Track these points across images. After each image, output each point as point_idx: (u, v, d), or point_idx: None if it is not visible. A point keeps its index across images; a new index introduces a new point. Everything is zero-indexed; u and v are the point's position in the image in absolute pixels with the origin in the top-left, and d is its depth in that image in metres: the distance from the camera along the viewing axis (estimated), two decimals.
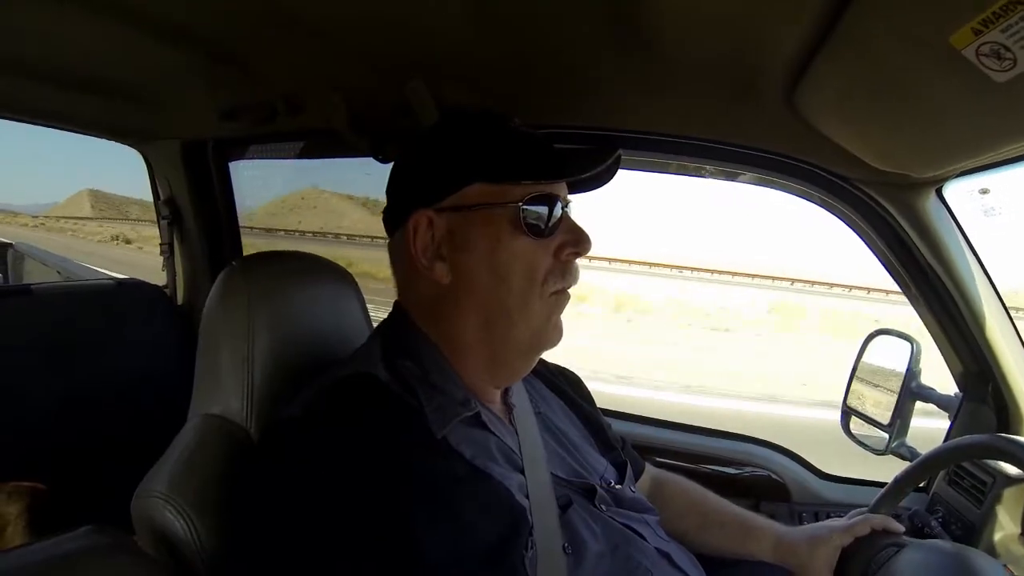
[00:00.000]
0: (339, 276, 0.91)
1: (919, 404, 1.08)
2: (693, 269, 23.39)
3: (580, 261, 0.73)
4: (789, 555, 0.85)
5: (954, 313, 1.05)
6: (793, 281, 22.17)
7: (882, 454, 1.09)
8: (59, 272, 4.05)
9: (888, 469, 0.94)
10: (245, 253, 1.60)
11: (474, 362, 0.71)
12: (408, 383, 0.67)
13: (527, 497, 0.66)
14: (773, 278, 22.46)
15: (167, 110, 1.28)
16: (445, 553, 0.57)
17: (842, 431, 1.17)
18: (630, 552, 0.70)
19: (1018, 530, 1.00)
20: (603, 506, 0.74)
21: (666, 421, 1.44)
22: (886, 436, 1.08)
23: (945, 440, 1.05)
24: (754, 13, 0.66)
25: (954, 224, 0.99)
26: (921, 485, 1.17)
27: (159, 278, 1.68)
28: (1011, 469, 0.99)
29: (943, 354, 1.14)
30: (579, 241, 0.71)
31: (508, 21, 0.77)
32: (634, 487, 0.84)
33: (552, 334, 0.72)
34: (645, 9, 0.68)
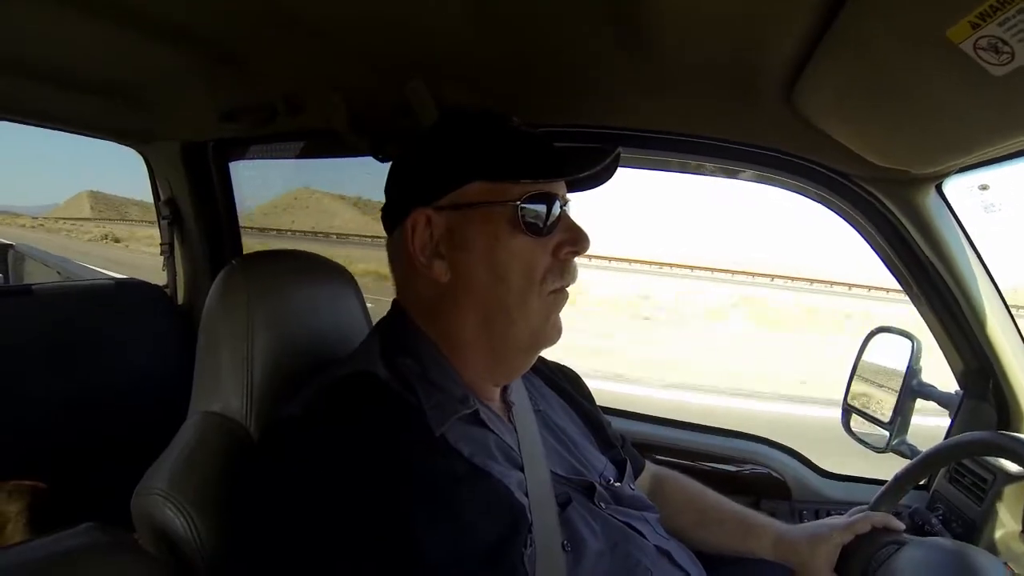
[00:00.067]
0: (338, 275, 0.92)
1: (920, 402, 1.08)
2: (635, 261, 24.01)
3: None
4: (789, 553, 0.85)
5: (954, 310, 1.05)
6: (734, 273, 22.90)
7: (883, 452, 1.09)
8: (59, 272, 4.06)
9: (888, 467, 0.94)
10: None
11: (473, 360, 0.71)
12: (407, 381, 0.68)
13: (526, 495, 0.66)
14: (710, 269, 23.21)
15: (167, 111, 1.28)
16: (445, 552, 0.57)
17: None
18: (629, 550, 0.70)
19: (1019, 528, 1.00)
20: (602, 504, 0.74)
21: (666, 419, 1.44)
22: (887, 434, 1.08)
23: (946, 438, 1.05)
24: (753, 12, 0.66)
25: (954, 220, 0.99)
26: (922, 483, 1.17)
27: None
28: (1012, 466, 0.99)
29: (943, 351, 1.13)
30: (577, 240, 0.71)
31: (508, 21, 0.77)
32: (633, 485, 0.84)
33: (551, 332, 0.72)
34: (645, 9, 0.68)
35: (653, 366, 8.06)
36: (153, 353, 1.52)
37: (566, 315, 0.75)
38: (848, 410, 1.17)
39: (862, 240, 1.12)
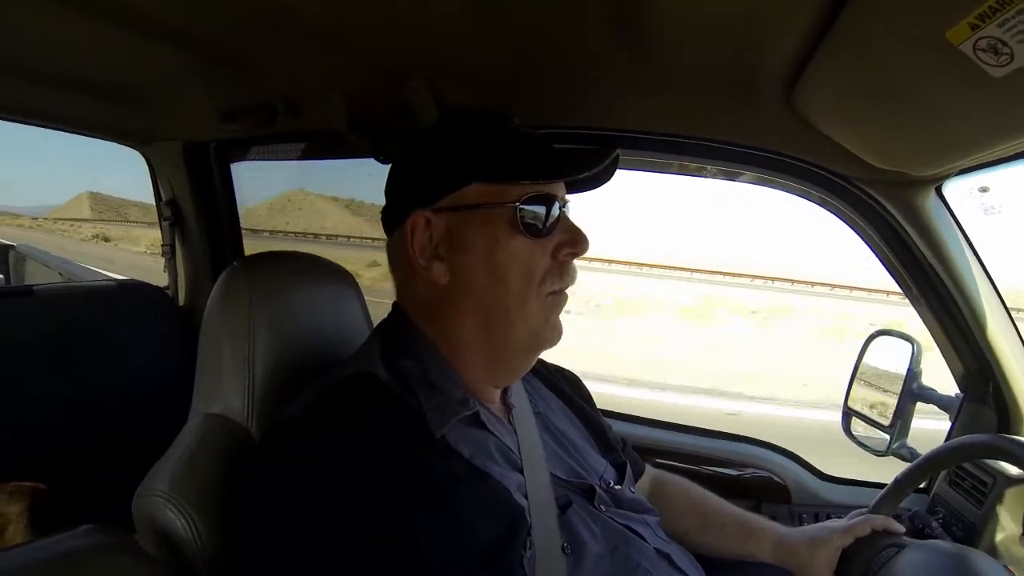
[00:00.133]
0: (340, 276, 0.92)
1: (920, 405, 1.08)
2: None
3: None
4: (789, 556, 0.85)
5: (954, 313, 1.05)
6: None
7: (883, 455, 1.09)
8: (61, 273, 4.06)
9: (888, 470, 0.94)
10: None
11: (473, 362, 0.71)
12: (408, 382, 0.68)
13: (526, 497, 0.66)
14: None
15: (168, 112, 1.28)
16: (445, 553, 0.57)
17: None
18: (629, 553, 0.70)
19: (1019, 531, 1.00)
20: (602, 506, 0.73)
21: (667, 422, 1.44)
22: (887, 437, 1.08)
23: (946, 441, 1.05)
24: (753, 13, 0.66)
25: (954, 222, 0.99)
26: (922, 486, 1.17)
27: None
28: (1012, 469, 0.99)
29: (943, 354, 1.13)
30: (577, 241, 0.71)
31: (508, 21, 0.77)
32: (634, 488, 0.84)
33: (550, 334, 0.72)
34: (645, 9, 0.68)
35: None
36: (154, 354, 1.52)
37: None
38: (848, 413, 1.17)
39: (863, 243, 1.12)
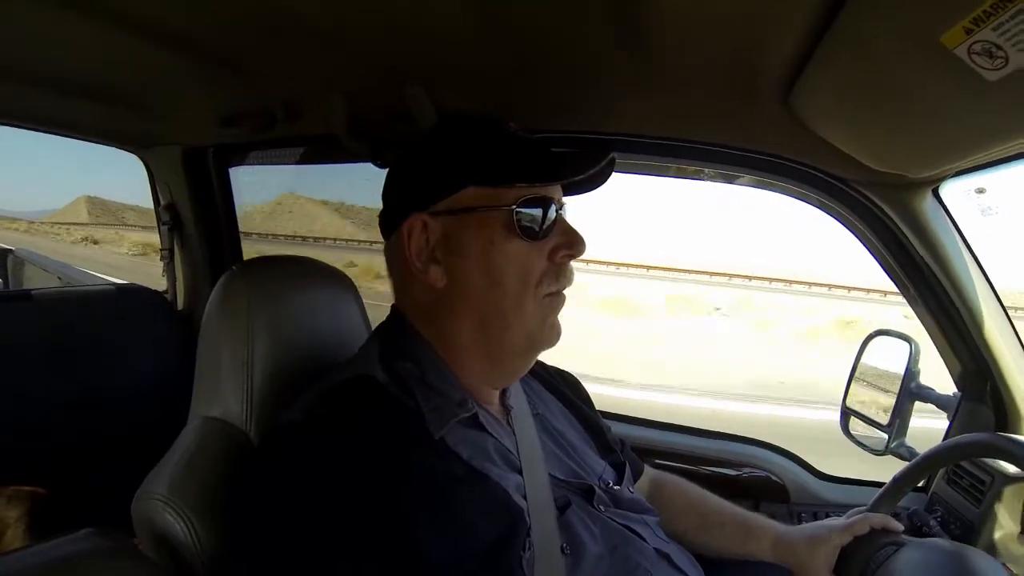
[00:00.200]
0: (338, 280, 0.92)
1: (918, 404, 1.09)
2: None
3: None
4: (788, 554, 0.85)
5: (952, 313, 1.06)
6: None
7: (882, 454, 1.09)
8: (59, 278, 4.04)
9: (887, 469, 0.95)
10: None
11: (470, 364, 0.71)
12: (406, 385, 0.68)
13: (524, 498, 0.66)
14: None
15: (167, 116, 1.28)
16: (445, 553, 0.57)
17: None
18: (629, 553, 0.70)
19: (1017, 529, 1.00)
20: (602, 507, 0.74)
21: (666, 423, 1.44)
22: (885, 436, 1.08)
23: (944, 440, 1.05)
24: (751, 14, 0.66)
25: (951, 224, 0.99)
26: (920, 484, 1.17)
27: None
28: (1010, 468, 0.99)
29: (941, 354, 1.14)
30: (573, 243, 0.71)
31: (508, 21, 0.77)
32: (632, 488, 0.84)
33: (548, 335, 0.72)
34: (645, 9, 0.68)
35: None
36: (153, 358, 1.52)
37: None
38: (847, 413, 1.17)
39: (861, 245, 1.12)
